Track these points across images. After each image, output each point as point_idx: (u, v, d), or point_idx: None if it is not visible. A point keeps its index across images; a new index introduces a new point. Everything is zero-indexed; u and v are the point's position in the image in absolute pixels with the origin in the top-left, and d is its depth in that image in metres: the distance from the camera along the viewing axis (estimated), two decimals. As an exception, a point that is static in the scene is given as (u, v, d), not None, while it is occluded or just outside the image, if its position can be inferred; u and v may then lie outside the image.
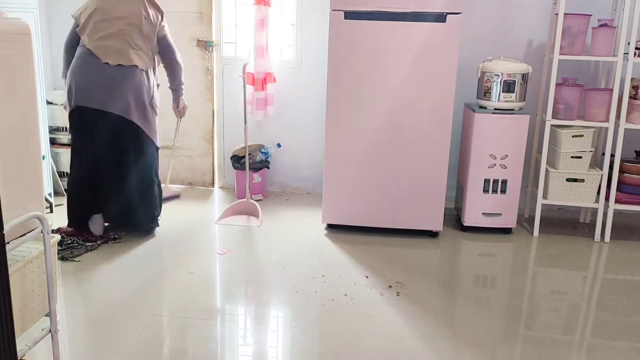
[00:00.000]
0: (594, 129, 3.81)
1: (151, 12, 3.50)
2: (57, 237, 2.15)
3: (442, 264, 3.53)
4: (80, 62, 3.38)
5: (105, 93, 3.36)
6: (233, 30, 4.54)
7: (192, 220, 4.02)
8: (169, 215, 3.99)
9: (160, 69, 3.68)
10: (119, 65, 3.36)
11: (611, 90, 3.72)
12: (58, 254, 3.26)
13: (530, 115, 3.79)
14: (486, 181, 3.80)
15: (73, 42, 3.47)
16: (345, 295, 2.99)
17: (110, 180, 3.49)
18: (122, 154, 3.47)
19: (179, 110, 3.84)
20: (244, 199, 4.10)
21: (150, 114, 3.53)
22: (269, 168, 4.51)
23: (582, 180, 3.80)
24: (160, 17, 3.57)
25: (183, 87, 3.75)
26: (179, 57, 3.66)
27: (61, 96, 4.38)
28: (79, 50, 3.42)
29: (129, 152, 3.48)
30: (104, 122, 3.39)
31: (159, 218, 3.74)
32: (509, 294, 3.14)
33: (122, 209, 3.58)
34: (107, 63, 3.35)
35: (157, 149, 3.65)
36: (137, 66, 3.40)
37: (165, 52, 3.61)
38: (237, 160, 4.41)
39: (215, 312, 2.83)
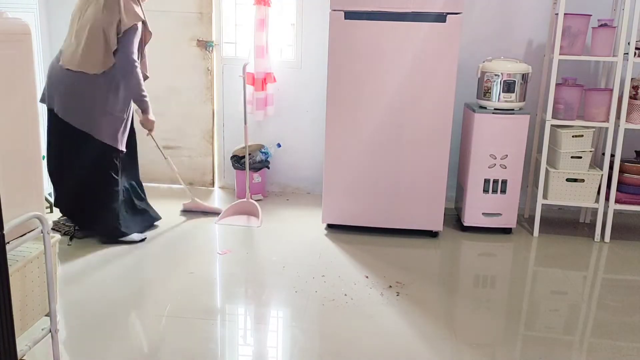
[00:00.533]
0: (594, 129, 3.81)
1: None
2: (58, 237, 2.15)
3: (442, 264, 3.52)
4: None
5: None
6: (233, 30, 4.54)
7: (192, 220, 4.02)
8: (169, 215, 4.00)
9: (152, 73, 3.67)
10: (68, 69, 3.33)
11: (611, 90, 3.72)
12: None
13: (530, 115, 3.79)
14: (486, 181, 3.80)
15: None
16: (345, 295, 2.99)
17: (66, 180, 3.51)
18: (70, 156, 3.46)
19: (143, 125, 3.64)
20: (244, 199, 4.10)
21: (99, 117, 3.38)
22: (269, 168, 4.51)
23: (582, 180, 3.80)
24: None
25: (143, 99, 3.50)
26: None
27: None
28: None
29: (80, 155, 3.43)
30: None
31: (123, 229, 3.52)
32: (509, 294, 3.14)
33: (78, 212, 3.59)
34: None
35: (117, 152, 3.47)
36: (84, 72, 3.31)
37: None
38: (237, 160, 4.41)
39: (215, 312, 2.83)
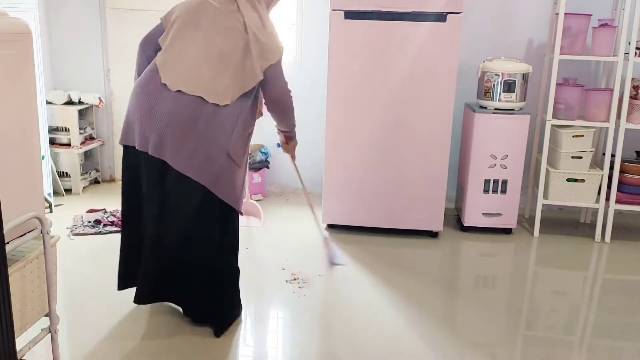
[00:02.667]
0: (594, 129, 3.80)
1: None
2: (58, 236, 2.15)
3: (442, 264, 3.52)
4: None
5: None
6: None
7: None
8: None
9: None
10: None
11: (611, 90, 3.71)
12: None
13: (530, 115, 3.78)
14: (486, 181, 3.80)
15: None
16: (345, 295, 2.99)
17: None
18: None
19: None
20: (244, 199, 4.07)
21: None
22: (268, 168, 4.51)
23: (583, 181, 3.79)
24: None
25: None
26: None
27: (60, 96, 4.39)
28: None
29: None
30: None
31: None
32: (509, 294, 3.14)
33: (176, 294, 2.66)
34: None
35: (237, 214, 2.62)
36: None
37: None
38: (237, 160, 4.39)
39: (215, 312, 2.82)
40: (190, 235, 2.44)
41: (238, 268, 2.68)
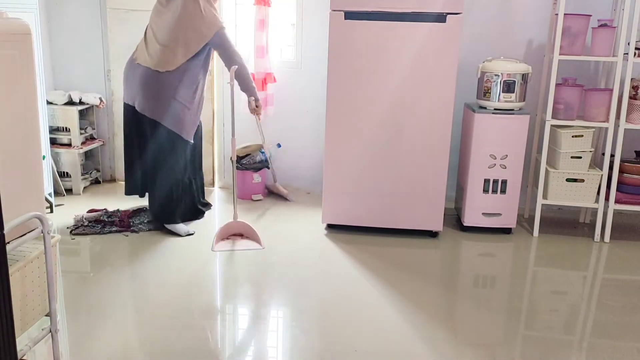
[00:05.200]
0: (593, 129, 3.81)
1: None
2: (58, 236, 2.16)
3: (442, 264, 3.53)
4: None
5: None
6: (233, 30, 4.54)
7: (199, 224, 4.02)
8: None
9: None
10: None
11: (611, 90, 3.72)
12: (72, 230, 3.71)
13: (530, 116, 3.79)
14: (486, 181, 3.80)
15: None
16: (345, 295, 2.99)
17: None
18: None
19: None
20: (233, 221, 3.67)
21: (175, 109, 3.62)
22: (269, 168, 4.51)
23: (582, 181, 3.80)
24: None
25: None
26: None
27: (61, 96, 4.40)
28: None
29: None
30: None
31: (176, 218, 3.76)
32: (509, 294, 3.14)
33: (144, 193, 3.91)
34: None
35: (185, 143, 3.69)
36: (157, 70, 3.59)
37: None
38: (238, 161, 4.41)
39: (215, 312, 2.83)
40: (156, 155, 3.68)
41: (184, 181, 3.80)
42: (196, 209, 3.97)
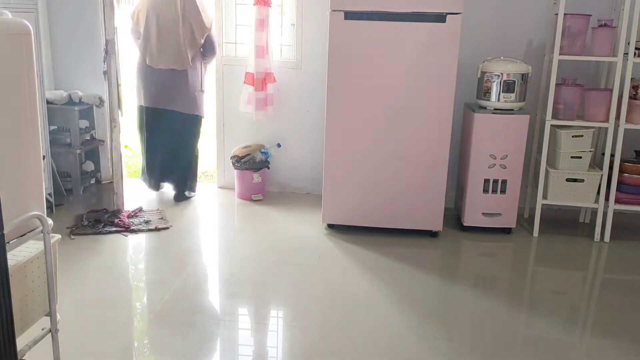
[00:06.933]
0: (593, 129, 3.81)
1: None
2: (58, 236, 2.15)
3: (442, 264, 3.53)
4: None
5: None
6: (233, 30, 4.54)
7: (193, 220, 4.02)
8: (169, 215, 4.00)
9: None
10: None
11: (611, 90, 3.72)
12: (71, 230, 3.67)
13: (530, 115, 3.79)
14: (486, 181, 3.80)
15: None
16: (345, 295, 2.99)
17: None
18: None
19: None
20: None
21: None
22: (269, 168, 4.51)
23: (582, 181, 3.80)
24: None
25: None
26: None
27: (62, 96, 4.40)
28: None
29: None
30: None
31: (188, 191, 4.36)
32: (509, 294, 3.14)
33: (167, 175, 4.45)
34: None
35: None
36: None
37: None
38: (238, 160, 4.41)
39: (216, 312, 2.83)
40: (180, 139, 4.29)
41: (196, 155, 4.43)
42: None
